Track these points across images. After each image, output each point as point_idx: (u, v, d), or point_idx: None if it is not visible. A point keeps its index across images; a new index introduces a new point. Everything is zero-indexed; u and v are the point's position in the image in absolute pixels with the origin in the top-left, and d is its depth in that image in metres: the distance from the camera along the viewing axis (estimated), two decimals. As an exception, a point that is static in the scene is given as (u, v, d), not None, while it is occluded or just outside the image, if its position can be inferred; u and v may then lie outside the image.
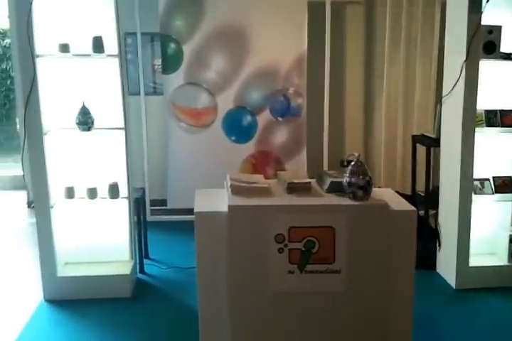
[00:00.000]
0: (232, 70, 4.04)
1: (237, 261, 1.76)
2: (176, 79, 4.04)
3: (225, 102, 4.07)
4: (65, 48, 2.75)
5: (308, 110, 4.09)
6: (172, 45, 4.02)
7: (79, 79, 2.87)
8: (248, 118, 4.12)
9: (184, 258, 3.28)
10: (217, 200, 1.88)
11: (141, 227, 3.29)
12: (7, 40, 5.41)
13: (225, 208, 1.77)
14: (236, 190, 1.84)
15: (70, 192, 2.84)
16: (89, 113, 2.82)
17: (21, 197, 4.22)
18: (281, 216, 1.74)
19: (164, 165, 4.18)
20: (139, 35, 3.96)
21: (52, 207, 2.75)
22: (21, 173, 4.52)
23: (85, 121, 2.82)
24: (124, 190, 2.93)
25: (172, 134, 4.12)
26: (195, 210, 1.76)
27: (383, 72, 4.15)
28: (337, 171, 2.05)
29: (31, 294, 2.85)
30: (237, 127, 4.13)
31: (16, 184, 4.43)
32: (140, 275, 3.12)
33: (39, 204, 2.72)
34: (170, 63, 4.03)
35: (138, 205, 3.17)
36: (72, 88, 2.85)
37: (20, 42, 2.61)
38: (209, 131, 4.10)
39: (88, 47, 2.78)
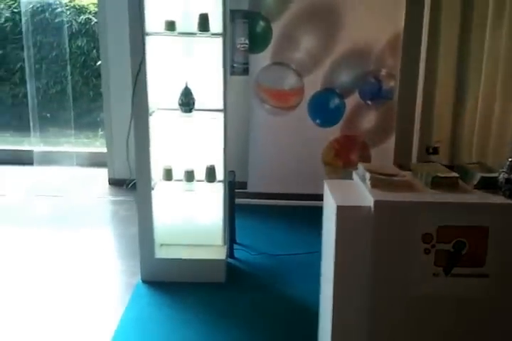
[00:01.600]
0: (321, 50, 3.88)
1: (381, 260, 1.65)
2: (262, 58, 3.92)
3: (313, 83, 3.93)
4: (171, 26, 2.66)
5: (399, 94, 3.91)
6: (261, 23, 3.89)
7: (182, 59, 2.80)
8: (336, 100, 3.98)
9: (270, 244, 3.23)
10: (354, 193, 1.77)
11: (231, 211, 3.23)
12: (82, 17, 5.38)
13: (367, 202, 1.66)
14: (376, 183, 1.72)
15: (168, 174, 2.79)
16: (191, 94, 2.74)
17: (100, 174, 4.23)
18: (430, 214, 1.62)
19: (245, 148, 4.09)
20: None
21: (153, 188, 2.70)
22: (97, 150, 4.61)
23: (188, 102, 2.74)
24: (219, 174, 2.86)
25: (255, 116, 4.02)
26: (336, 204, 1.65)
27: (482, 57, 3.92)
28: (477, 164, 1.91)
29: (127, 274, 2.84)
30: (324, 110, 3.99)
31: (93, 160, 4.44)
32: (230, 260, 3.07)
33: (141, 185, 2.67)
34: (258, 42, 3.91)
35: (231, 189, 3.10)
36: (175, 68, 2.78)
37: (131, 20, 2.54)
38: (293, 114, 3.98)
39: (193, 25, 2.70)
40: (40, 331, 2.39)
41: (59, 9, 5.23)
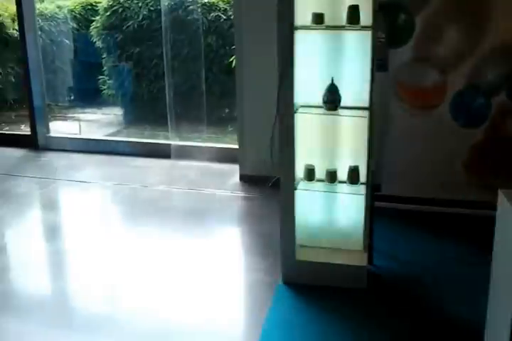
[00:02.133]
0: (467, 44, 3.61)
1: None
2: (402, 53, 3.73)
3: (456, 81, 3.68)
4: (319, 19, 2.57)
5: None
6: (401, 15, 3.69)
7: (327, 54, 2.70)
8: (481, 100, 3.70)
9: (412, 253, 3.05)
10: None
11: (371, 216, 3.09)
12: (212, 14, 5.45)
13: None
14: None
15: (310, 174, 2.71)
16: (337, 91, 2.64)
17: (231, 169, 4.25)
18: None
19: (378, 147, 3.91)
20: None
21: (295, 188, 2.63)
22: (228, 146, 4.64)
23: (333, 99, 2.64)
24: (362, 175, 2.74)
25: (392, 115, 3.83)
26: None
27: None
28: None
29: (266, 274, 2.80)
30: (467, 110, 3.73)
31: (224, 156, 4.47)
32: (369, 266, 2.93)
33: (284, 184, 2.62)
34: (398, 36, 3.72)
35: (372, 192, 2.96)
36: (320, 63, 2.69)
37: (280, 13, 2.48)
38: (433, 113, 3.74)
39: (341, 17, 2.59)
40: (184, 330, 2.41)
41: (191, 7, 5.34)
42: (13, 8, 6.83)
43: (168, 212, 3.65)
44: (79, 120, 6.45)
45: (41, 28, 6.78)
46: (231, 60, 4.71)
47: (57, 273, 3.05)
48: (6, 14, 6.50)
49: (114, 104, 6.26)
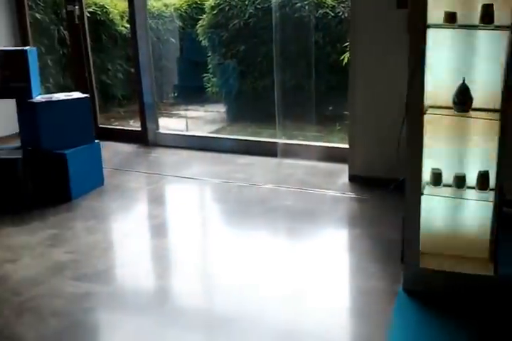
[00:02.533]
0: None
1: None
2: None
3: None
4: (451, 18, 2.45)
5: None
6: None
7: (459, 53, 2.56)
8: None
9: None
10: None
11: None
12: (320, 11, 5.38)
13: None
14: None
15: (437, 178, 2.59)
16: (468, 91, 2.50)
17: (340, 169, 4.18)
18: None
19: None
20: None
21: (422, 193, 2.53)
22: (337, 145, 4.58)
23: (464, 100, 2.51)
24: (492, 181, 2.59)
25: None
26: None
27: None
28: None
29: (386, 280, 2.72)
30: None
31: (332, 155, 4.40)
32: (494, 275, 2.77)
33: (410, 189, 2.52)
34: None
35: (501, 199, 2.80)
36: (451, 63, 2.57)
37: (413, 10, 2.38)
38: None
39: (473, 17, 2.45)
40: (305, 334, 2.38)
41: (299, 4, 5.31)
42: (122, 5, 7.10)
43: (277, 211, 3.63)
44: (183, 117, 6.61)
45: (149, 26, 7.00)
46: (342, 57, 4.64)
47: (166, 271, 3.09)
48: (116, 11, 6.73)
49: (217, 101, 6.35)
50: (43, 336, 2.37)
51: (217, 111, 6.60)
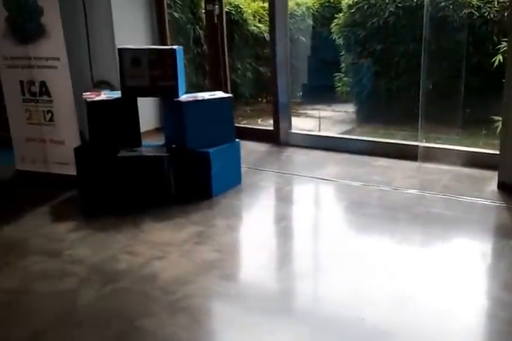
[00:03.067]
0: None
1: None
2: None
3: None
4: None
5: None
6: None
7: None
8: None
9: None
10: None
11: None
12: (465, 11, 5.12)
13: None
14: None
15: None
16: None
17: (487, 176, 3.93)
18: None
19: None
20: None
21: None
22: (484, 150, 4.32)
23: None
24: None
25: None
26: None
27: None
28: None
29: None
30: None
31: (478, 161, 4.15)
32: None
33: None
34: None
35: None
36: None
37: None
38: None
39: None
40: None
41: (443, 4, 5.08)
42: (254, 5, 7.18)
43: (425, 218, 3.46)
44: (310, 117, 6.56)
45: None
46: (494, 59, 4.38)
47: (312, 276, 2.98)
48: (249, 11, 6.80)
49: (346, 101, 6.24)
50: (198, 337, 2.38)
51: (346, 111, 6.49)
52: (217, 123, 3.92)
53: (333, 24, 5.87)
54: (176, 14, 6.06)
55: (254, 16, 6.94)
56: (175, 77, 3.86)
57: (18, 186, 4.27)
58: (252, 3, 6.92)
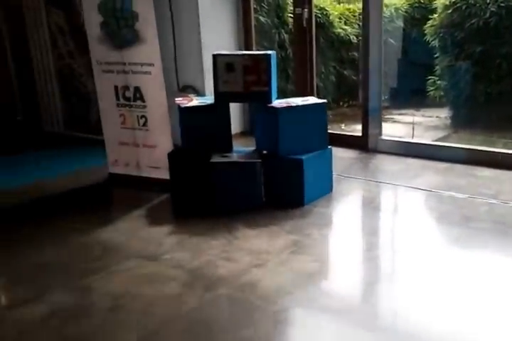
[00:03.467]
0: None
1: None
2: None
3: None
4: None
5: None
6: None
7: None
8: None
9: None
10: None
11: None
12: None
13: None
14: None
15: None
16: None
17: None
18: None
19: None
20: None
21: None
22: None
23: None
24: None
25: None
26: None
27: None
28: None
29: None
30: None
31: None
32: None
33: None
34: None
35: None
36: None
37: None
38: None
39: None
40: None
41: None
42: (340, 7, 7.03)
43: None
44: (397, 122, 6.34)
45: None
46: None
47: (405, 289, 2.81)
48: (335, 13, 6.67)
49: (438, 105, 5.97)
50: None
51: (437, 116, 6.22)
52: (311, 129, 3.82)
53: (426, 25, 5.63)
54: (262, 18, 6.01)
55: (339, 18, 6.81)
56: (269, 83, 3.79)
57: (112, 188, 4.34)
58: (338, 6, 6.79)
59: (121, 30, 4.09)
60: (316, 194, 3.86)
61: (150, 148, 4.31)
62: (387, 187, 4.12)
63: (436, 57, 5.58)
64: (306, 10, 5.07)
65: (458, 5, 5.19)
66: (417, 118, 6.34)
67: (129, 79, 4.20)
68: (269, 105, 3.80)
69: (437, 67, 5.62)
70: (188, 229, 3.50)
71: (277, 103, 3.84)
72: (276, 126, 3.74)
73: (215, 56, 3.85)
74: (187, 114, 3.91)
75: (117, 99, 4.29)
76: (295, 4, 5.15)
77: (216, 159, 3.76)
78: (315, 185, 3.83)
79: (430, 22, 5.56)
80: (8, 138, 5.83)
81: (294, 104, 3.81)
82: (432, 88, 5.73)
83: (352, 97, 6.96)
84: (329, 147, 3.94)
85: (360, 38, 6.76)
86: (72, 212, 3.84)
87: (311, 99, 4.01)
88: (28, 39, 6.17)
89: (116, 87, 4.27)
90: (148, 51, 4.04)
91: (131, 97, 4.23)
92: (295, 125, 3.76)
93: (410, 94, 6.31)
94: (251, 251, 3.14)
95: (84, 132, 6.06)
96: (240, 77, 3.80)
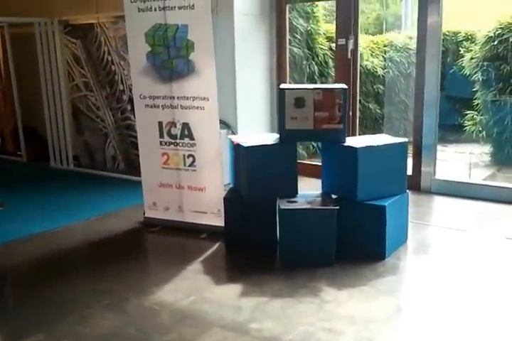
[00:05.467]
0: None
1: None
2: None
3: None
4: None
5: None
6: None
7: None
8: None
9: None
10: None
11: None
12: None
13: None
14: None
15: None
16: None
17: None
18: None
19: None
20: None
21: None
22: None
23: None
24: None
25: None
26: None
27: None
28: None
29: None
30: None
31: None
32: None
33: None
34: None
35: None
36: None
37: None
38: None
39: None
40: None
41: None
42: (367, 39, 6.73)
43: None
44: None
45: (391, 59, 6.58)
46: None
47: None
48: (364, 45, 6.40)
49: (473, 141, 5.70)
50: None
51: (471, 152, 5.93)
52: (390, 171, 3.43)
53: (464, 58, 5.38)
54: (295, 49, 5.68)
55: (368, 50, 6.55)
56: (343, 119, 3.40)
57: (154, 235, 3.86)
58: (366, 38, 6.51)
59: (172, 61, 3.64)
60: (395, 244, 3.45)
61: (196, 191, 3.84)
62: (464, 234, 3.73)
63: (477, 91, 5.30)
64: (351, 40, 4.75)
65: (504, 37, 4.94)
66: (447, 155, 6.03)
67: (177, 114, 3.74)
68: (345, 144, 3.41)
69: (478, 102, 5.34)
70: (261, 288, 3.02)
71: (352, 141, 3.45)
72: (356, 167, 3.32)
73: (282, 90, 3.46)
74: (251, 154, 3.47)
75: (161, 136, 3.83)
76: (338, 34, 4.83)
77: (285, 205, 3.32)
78: (394, 234, 3.42)
79: (470, 54, 5.30)
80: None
81: (375, 144, 3.42)
82: (468, 123, 5.45)
83: (375, 131, 6.65)
84: (407, 191, 3.56)
85: (385, 70, 6.51)
86: (117, 266, 3.32)
87: (385, 138, 3.63)
88: (39, 71, 5.72)
89: (160, 123, 3.81)
90: (203, 84, 3.59)
91: (178, 134, 3.77)
92: (375, 167, 3.36)
93: (445, 130, 6.03)
94: (353, 319, 2.67)
95: (99, 169, 5.57)
96: (311, 113, 3.41)
